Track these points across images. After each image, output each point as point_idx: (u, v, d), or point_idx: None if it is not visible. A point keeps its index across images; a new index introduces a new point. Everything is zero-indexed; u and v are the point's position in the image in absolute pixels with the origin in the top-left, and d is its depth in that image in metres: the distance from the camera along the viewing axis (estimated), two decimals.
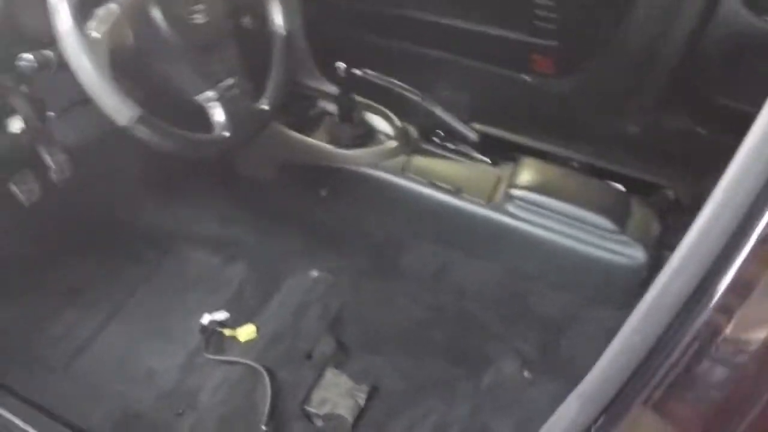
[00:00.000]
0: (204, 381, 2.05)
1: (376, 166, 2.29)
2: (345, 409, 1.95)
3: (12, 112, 1.73)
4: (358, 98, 2.31)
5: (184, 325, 2.18)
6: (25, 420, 1.90)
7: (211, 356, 2.10)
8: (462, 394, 2.00)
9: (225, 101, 1.71)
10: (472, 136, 2.27)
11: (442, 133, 2.33)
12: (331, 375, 2.04)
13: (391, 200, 2.31)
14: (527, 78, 2.53)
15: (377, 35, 2.43)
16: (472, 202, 2.19)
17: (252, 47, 1.95)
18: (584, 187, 2.19)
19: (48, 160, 2.25)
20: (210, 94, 1.70)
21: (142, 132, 1.56)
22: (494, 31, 2.51)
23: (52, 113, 1.77)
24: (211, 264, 2.35)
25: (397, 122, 2.35)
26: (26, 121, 1.74)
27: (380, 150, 2.31)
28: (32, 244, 2.28)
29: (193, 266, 2.35)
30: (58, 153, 2.26)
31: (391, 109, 2.36)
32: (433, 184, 2.22)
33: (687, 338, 0.94)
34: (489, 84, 2.44)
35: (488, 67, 2.53)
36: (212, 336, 2.14)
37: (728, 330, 0.93)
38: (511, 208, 2.14)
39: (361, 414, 1.96)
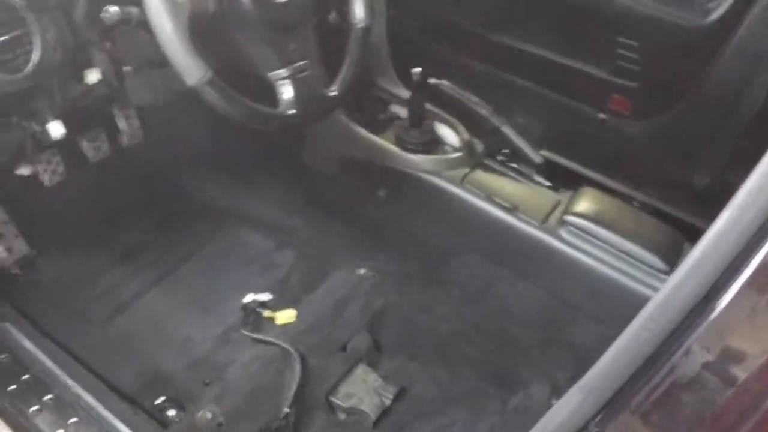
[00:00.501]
0: (236, 356, 2.07)
1: (437, 174, 2.30)
2: (369, 406, 1.94)
3: (91, 64, 1.81)
4: (429, 107, 2.33)
5: (226, 300, 2.22)
6: (59, 365, 1.96)
7: (247, 333, 2.12)
8: (489, 411, 1.98)
9: (295, 81, 1.73)
10: (537, 159, 2.26)
11: (507, 152, 2.33)
12: (361, 371, 2.04)
13: (447, 209, 2.32)
14: (602, 116, 2.50)
15: (457, 50, 2.43)
16: (526, 221, 2.18)
17: (332, 40, 2.01)
18: (639, 223, 2.16)
19: (122, 123, 2.35)
20: (282, 72, 1.72)
21: (210, 94, 1.59)
22: (576, 65, 2.50)
23: (129, 68, 1.83)
24: (263, 247, 2.39)
25: (465, 134, 2.35)
26: (103, 74, 1.81)
27: (444, 159, 2.32)
28: (92, 201, 2.36)
29: (244, 246, 2.40)
30: (133, 117, 2.36)
31: (460, 122, 2.37)
32: (490, 199, 2.22)
33: (692, 340, 0.93)
34: (562, 115, 2.42)
35: (565, 100, 2.51)
36: (252, 314, 2.17)
37: (732, 339, 0.93)
38: (563, 233, 2.13)
39: (384, 413, 1.96)
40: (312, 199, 2.56)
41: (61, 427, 1.84)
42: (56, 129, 1.79)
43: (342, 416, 1.97)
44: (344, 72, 1.88)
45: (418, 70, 2.14)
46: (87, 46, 1.78)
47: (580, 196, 2.18)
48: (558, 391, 2.02)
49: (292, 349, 2.04)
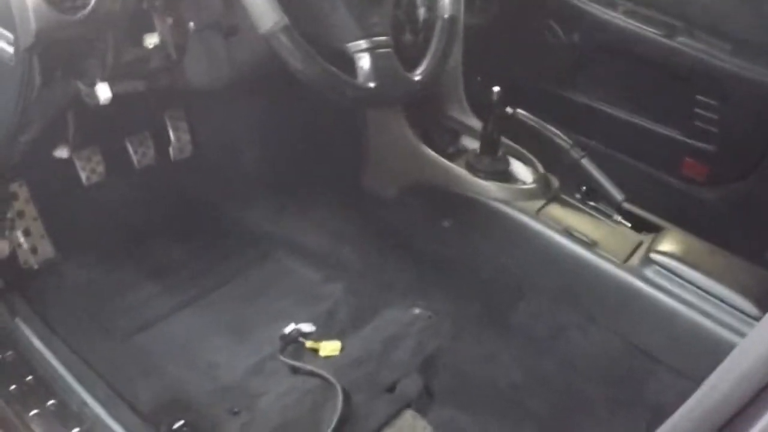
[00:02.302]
0: (270, 386, 1.74)
1: (509, 204, 1.97)
2: None
3: (152, 29, 1.56)
4: (503, 140, 2.03)
5: (263, 329, 1.89)
6: (68, 368, 1.64)
7: (285, 359, 1.79)
8: None
9: (375, 55, 1.48)
10: (619, 196, 1.95)
11: (585, 189, 2.01)
12: (409, 416, 1.69)
13: (519, 242, 1.98)
14: (675, 182, 2.27)
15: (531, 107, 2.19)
16: (606, 259, 1.84)
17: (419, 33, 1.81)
18: (730, 265, 1.84)
19: (171, 134, 2.09)
20: (362, 43, 1.47)
21: (283, 44, 1.34)
22: (649, 125, 2.28)
23: (192, 24, 1.57)
24: (309, 278, 2.06)
25: (540, 168, 2.05)
26: (162, 40, 1.56)
27: (518, 189, 2.00)
28: (130, 211, 2.08)
29: (288, 276, 2.07)
30: (183, 131, 2.10)
31: (535, 156, 2.06)
32: (567, 233, 1.89)
33: None
34: (636, 179, 2.17)
35: (635, 163, 2.29)
36: (291, 344, 1.83)
37: None
38: (648, 273, 1.78)
39: None
40: (367, 227, 2.23)
41: None
42: (104, 92, 1.52)
43: None
44: (428, 60, 1.63)
45: (497, 88, 1.87)
46: (149, 7, 1.53)
47: (665, 235, 1.87)
48: None
49: (335, 381, 1.70)
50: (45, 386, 1.60)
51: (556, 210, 1.97)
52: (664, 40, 2.19)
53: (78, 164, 1.93)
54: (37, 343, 1.66)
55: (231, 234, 2.17)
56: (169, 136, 2.10)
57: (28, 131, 1.57)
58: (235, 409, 1.70)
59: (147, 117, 2.03)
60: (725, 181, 2.21)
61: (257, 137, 2.02)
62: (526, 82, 2.39)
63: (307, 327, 1.88)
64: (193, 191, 2.19)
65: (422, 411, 1.72)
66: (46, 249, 1.92)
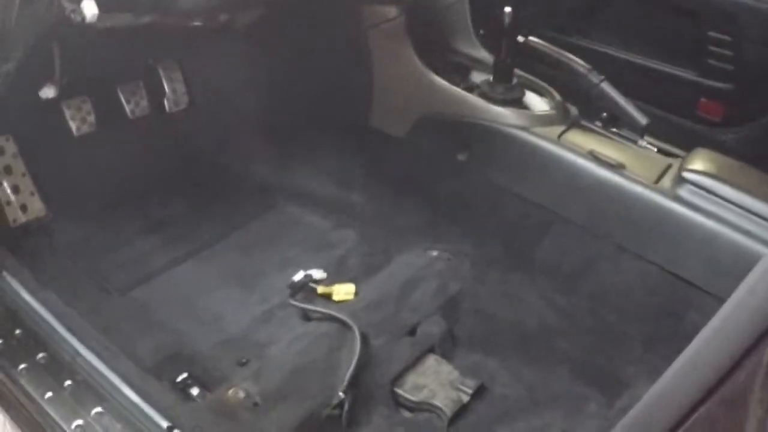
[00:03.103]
0: (280, 335, 1.58)
1: (528, 130, 1.81)
2: (443, 401, 1.45)
3: None
4: (516, 71, 1.88)
5: (270, 279, 1.74)
6: (58, 319, 1.45)
7: (296, 302, 1.63)
8: (589, 415, 1.45)
9: None
10: (643, 120, 1.76)
11: (606, 116, 1.84)
12: (433, 361, 1.55)
13: (541, 170, 1.81)
14: (691, 124, 2.10)
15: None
16: (636, 181, 1.68)
17: None
18: (765, 181, 1.67)
19: (166, 85, 1.93)
20: None
21: None
22: (661, 67, 2.13)
23: None
24: (318, 227, 1.90)
25: (557, 96, 1.89)
26: None
27: (536, 114, 1.85)
28: (123, 164, 1.89)
29: (296, 226, 1.91)
30: (178, 81, 1.94)
31: (550, 86, 1.91)
32: (593, 156, 1.72)
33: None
34: (652, 123, 1.91)
35: (653, 108, 2.02)
36: (301, 290, 1.67)
37: None
38: (683, 193, 1.62)
39: (461, 411, 1.44)
40: (377, 168, 2.05)
41: (51, 389, 1.34)
42: (90, 7, 1.35)
43: (407, 414, 1.46)
44: None
45: (509, 9, 1.69)
46: None
47: (696, 154, 1.71)
48: None
49: (351, 323, 1.53)
50: (34, 339, 1.43)
51: (577, 136, 1.81)
52: None
53: (67, 113, 1.76)
54: (26, 296, 1.48)
55: (232, 185, 2.00)
56: (163, 88, 1.93)
57: (11, 58, 1.40)
58: (243, 360, 1.54)
59: (138, 63, 1.87)
60: (742, 120, 2.05)
61: (256, 83, 1.86)
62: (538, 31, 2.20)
63: (317, 273, 1.73)
64: (191, 143, 2.02)
65: (446, 355, 1.57)
66: (36, 206, 1.74)
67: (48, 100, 1.71)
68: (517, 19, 1.73)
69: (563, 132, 1.80)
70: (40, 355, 1.40)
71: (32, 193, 1.73)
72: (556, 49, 1.85)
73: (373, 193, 1.98)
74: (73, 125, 1.75)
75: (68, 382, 1.34)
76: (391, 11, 1.89)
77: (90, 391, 1.33)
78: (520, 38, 1.83)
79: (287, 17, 1.42)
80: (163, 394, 1.34)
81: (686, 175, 1.62)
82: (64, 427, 1.28)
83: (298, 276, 1.70)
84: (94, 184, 1.82)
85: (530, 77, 1.91)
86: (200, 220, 1.88)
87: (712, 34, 2.01)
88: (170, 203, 1.91)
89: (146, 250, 1.78)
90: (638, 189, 1.66)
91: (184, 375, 1.46)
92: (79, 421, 1.28)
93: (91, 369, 1.37)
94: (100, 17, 1.44)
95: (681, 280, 1.65)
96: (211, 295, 1.69)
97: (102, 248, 1.76)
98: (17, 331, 1.44)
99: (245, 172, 2.03)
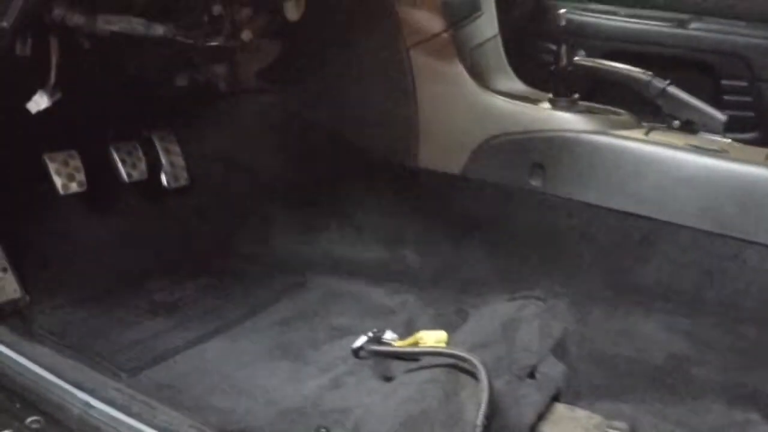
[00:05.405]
0: (360, 396, 1.13)
1: (609, 134, 1.43)
2: None
3: None
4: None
5: (325, 349, 1.28)
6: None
7: (382, 348, 1.17)
8: None
9: None
10: (722, 117, 1.46)
11: (678, 123, 1.49)
12: (562, 407, 1.15)
13: (635, 174, 1.40)
14: None
15: None
16: (749, 162, 1.33)
17: None
18: None
19: (162, 158, 1.53)
20: None
21: None
22: None
23: None
24: (367, 296, 1.43)
25: (622, 111, 1.54)
26: None
27: (612, 117, 1.50)
28: (122, 235, 1.45)
29: (338, 297, 1.43)
30: (176, 155, 1.55)
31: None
32: (692, 147, 1.37)
33: None
34: None
35: None
36: (371, 347, 1.20)
37: None
38: None
39: None
40: (431, 216, 1.59)
41: None
42: None
43: None
44: None
45: (563, 11, 1.42)
46: None
47: None
48: None
49: (476, 360, 1.06)
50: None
51: (662, 136, 1.45)
52: (678, 30, 1.91)
53: (51, 167, 1.33)
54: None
55: (249, 265, 1.53)
56: (160, 160, 1.55)
57: (12, 5, 1.01)
58: (322, 429, 1.09)
59: (133, 126, 1.50)
60: None
61: (271, 140, 1.48)
62: None
63: (388, 334, 1.26)
64: (194, 221, 1.58)
65: (572, 403, 1.16)
66: (10, 287, 1.24)
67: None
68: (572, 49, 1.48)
69: (646, 133, 1.44)
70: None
71: (5, 269, 1.26)
72: (608, 63, 1.59)
73: (431, 246, 1.55)
74: (58, 181, 1.32)
75: None
76: (437, 25, 1.53)
77: None
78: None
79: (308, 48, 1.11)
80: None
81: None
82: None
83: (361, 340, 1.24)
84: (83, 260, 1.36)
85: (586, 104, 1.54)
86: (217, 302, 1.40)
87: (725, 82, 1.84)
88: (177, 287, 1.42)
89: (157, 330, 1.29)
90: (754, 170, 1.31)
91: None
92: None
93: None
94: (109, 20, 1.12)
95: None
96: (253, 370, 1.22)
97: (97, 332, 1.25)
98: None
99: (263, 249, 1.57)
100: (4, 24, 1.03)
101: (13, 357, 1.02)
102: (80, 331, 1.26)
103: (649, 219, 1.41)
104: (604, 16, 2.04)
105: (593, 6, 2.13)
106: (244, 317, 1.37)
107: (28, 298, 1.28)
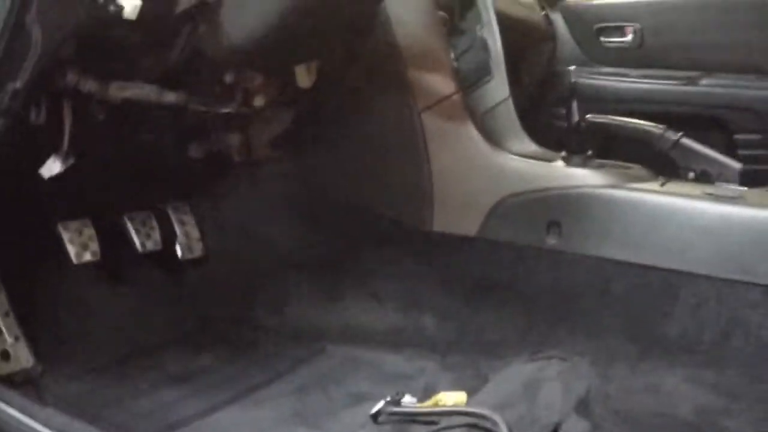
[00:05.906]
0: None
1: (625, 188, 1.41)
2: None
3: None
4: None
5: (343, 416, 1.22)
6: None
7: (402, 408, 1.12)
8: None
9: None
10: (736, 165, 1.46)
11: (692, 174, 1.52)
12: None
13: (652, 226, 1.37)
14: None
15: None
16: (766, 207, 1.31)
17: None
18: None
19: (177, 229, 1.51)
20: None
21: None
22: None
23: None
24: (385, 362, 1.38)
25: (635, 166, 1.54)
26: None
27: (625, 171, 1.48)
28: (136, 306, 1.42)
29: (357, 364, 1.38)
30: (191, 226, 1.53)
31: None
32: (710, 195, 1.36)
33: None
34: None
35: None
36: (393, 407, 1.15)
37: None
38: None
39: None
40: (448, 279, 1.54)
41: None
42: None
43: None
44: None
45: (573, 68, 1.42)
46: None
47: None
48: None
49: (497, 418, 1.03)
50: None
51: (678, 187, 1.44)
52: (689, 87, 1.90)
53: (65, 236, 1.32)
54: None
55: (265, 336, 1.49)
56: (174, 231, 1.54)
57: (21, 71, 1.03)
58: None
59: (146, 199, 1.49)
60: None
61: (284, 212, 1.47)
62: None
63: (407, 398, 1.20)
64: (210, 293, 1.54)
65: None
66: (23, 355, 1.20)
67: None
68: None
69: (662, 185, 1.43)
70: None
71: (17, 338, 1.23)
72: (620, 118, 1.58)
73: (448, 310, 1.50)
74: (71, 250, 1.31)
75: None
76: (448, 87, 1.54)
77: None
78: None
79: (320, 115, 1.11)
80: None
81: None
82: None
83: (380, 405, 1.18)
84: (97, 330, 1.33)
85: (600, 161, 1.54)
86: (233, 372, 1.35)
87: (738, 137, 1.81)
88: (192, 357, 1.38)
89: (171, 399, 1.24)
90: None
91: None
92: None
93: None
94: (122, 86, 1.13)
95: None
96: None
97: (111, 402, 1.21)
98: None
99: (280, 318, 1.53)
100: (18, 85, 1.05)
101: (25, 422, 0.99)
102: (94, 401, 1.22)
103: (670, 270, 1.36)
104: (613, 78, 2.07)
105: (604, 69, 2.17)
106: (260, 386, 1.32)
107: (40, 367, 1.24)
